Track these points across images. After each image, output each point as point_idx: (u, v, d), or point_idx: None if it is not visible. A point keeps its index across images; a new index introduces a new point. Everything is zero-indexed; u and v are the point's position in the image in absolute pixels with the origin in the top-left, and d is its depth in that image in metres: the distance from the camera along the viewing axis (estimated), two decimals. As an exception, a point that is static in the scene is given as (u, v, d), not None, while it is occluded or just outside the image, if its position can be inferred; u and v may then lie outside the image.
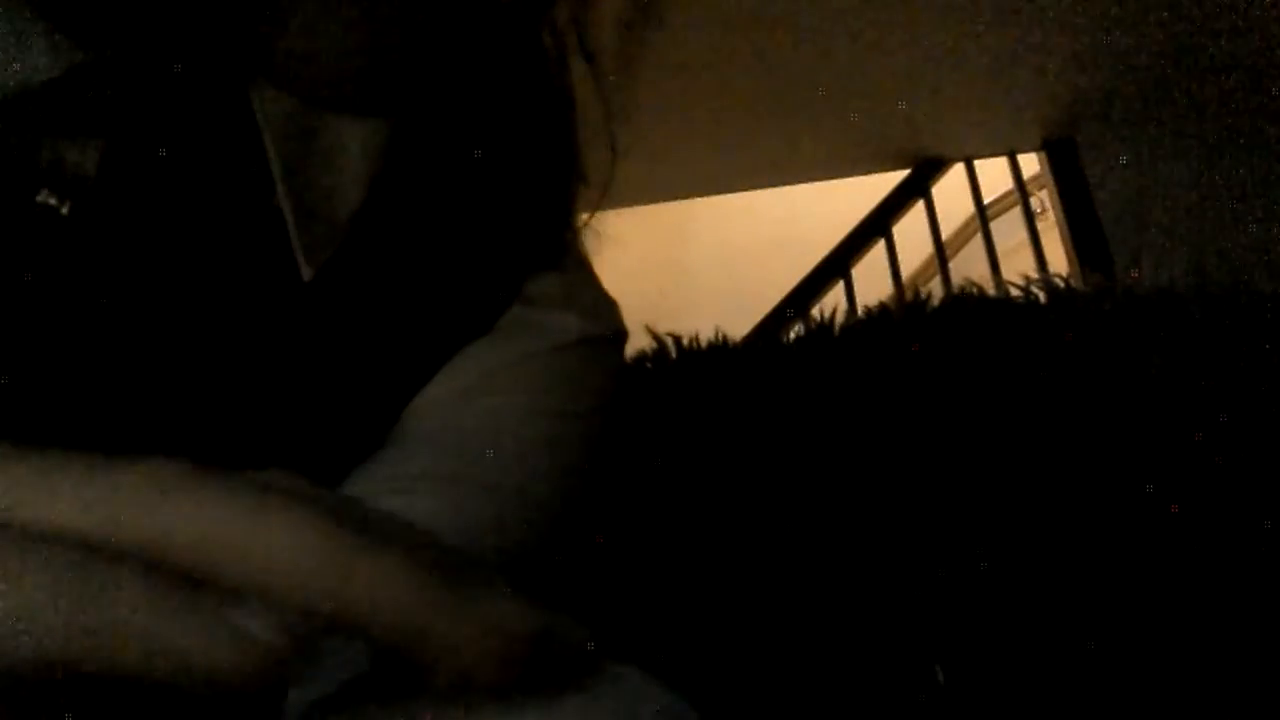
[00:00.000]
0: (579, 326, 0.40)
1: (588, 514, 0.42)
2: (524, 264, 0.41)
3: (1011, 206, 2.68)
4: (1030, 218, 2.29)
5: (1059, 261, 2.20)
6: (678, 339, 0.70)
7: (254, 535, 0.16)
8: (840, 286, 2.30)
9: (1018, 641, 0.54)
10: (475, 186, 0.40)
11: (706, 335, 0.71)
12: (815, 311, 2.23)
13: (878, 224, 2.34)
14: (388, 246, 0.38)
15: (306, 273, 0.35)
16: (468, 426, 0.37)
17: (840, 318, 0.69)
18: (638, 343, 0.71)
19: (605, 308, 0.43)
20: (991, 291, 0.68)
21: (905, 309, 0.67)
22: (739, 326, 2.05)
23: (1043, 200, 2.50)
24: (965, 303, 0.66)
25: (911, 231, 2.36)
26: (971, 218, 2.61)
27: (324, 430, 0.35)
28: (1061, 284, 0.67)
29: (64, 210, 0.31)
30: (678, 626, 0.56)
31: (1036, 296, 0.66)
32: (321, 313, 0.36)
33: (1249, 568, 0.53)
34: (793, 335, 0.72)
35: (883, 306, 0.68)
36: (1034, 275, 0.68)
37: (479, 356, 0.38)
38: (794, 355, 0.67)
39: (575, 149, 0.43)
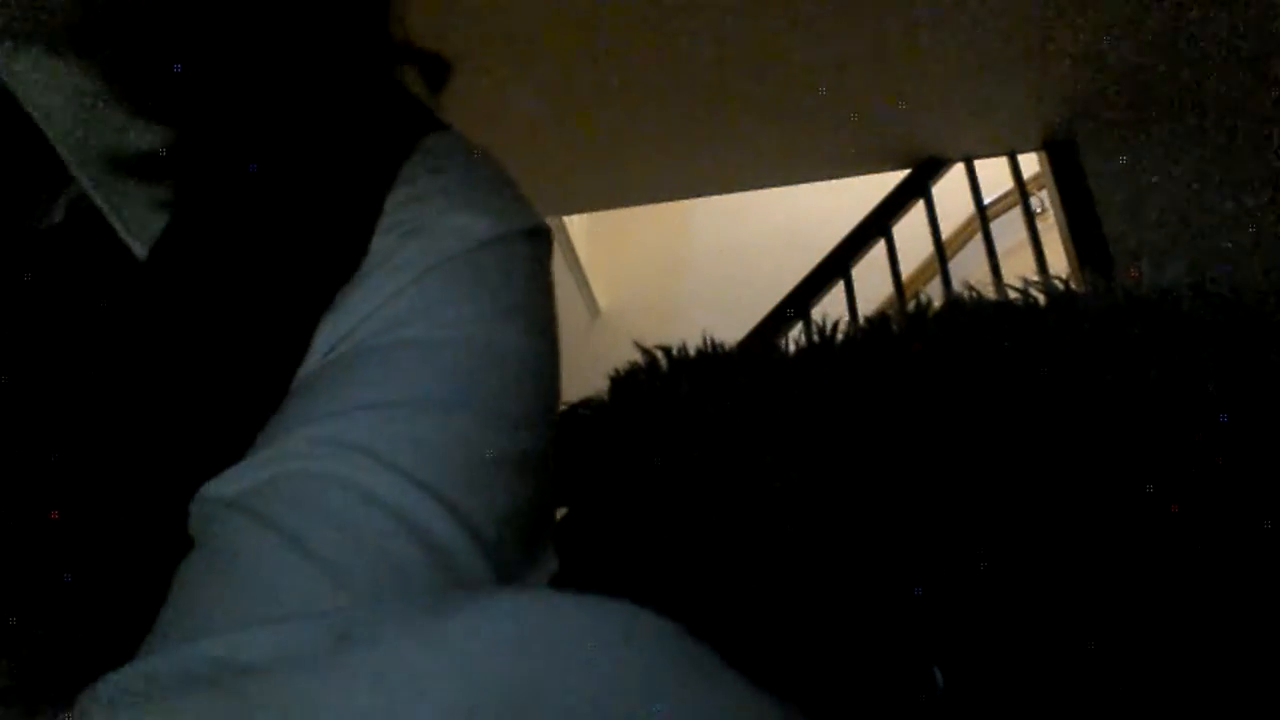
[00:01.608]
0: (483, 226, 0.37)
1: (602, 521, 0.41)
2: (386, 172, 0.37)
3: (1011, 206, 2.69)
4: (1030, 218, 2.29)
5: (1059, 262, 2.20)
6: (667, 350, 0.70)
7: None
8: (840, 286, 2.30)
9: (1017, 642, 0.54)
10: (292, 111, 0.37)
11: (710, 334, 0.71)
12: (816, 314, 2.23)
13: (878, 224, 2.34)
14: (221, 200, 0.35)
15: (140, 252, 0.34)
16: (393, 346, 0.34)
17: (842, 323, 0.69)
18: (629, 356, 0.71)
19: (512, 205, 0.40)
20: (991, 292, 0.68)
21: (906, 318, 0.67)
22: (739, 326, 2.06)
23: (1043, 200, 2.50)
24: (963, 306, 0.66)
25: (911, 231, 2.36)
26: (971, 218, 2.61)
27: (227, 396, 0.33)
28: (1061, 285, 0.67)
29: None
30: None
31: (1036, 298, 0.66)
32: (174, 287, 0.34)
33: (1249, 568, 0.53)
34: (791, 340, 0.72)
35: (883, 315, 0.68)
36: (1034, 276, 0.68)
37: (389, 272, 0.35)
38: (793, 364, 0.67)
39: (386, 27, 0.40)
